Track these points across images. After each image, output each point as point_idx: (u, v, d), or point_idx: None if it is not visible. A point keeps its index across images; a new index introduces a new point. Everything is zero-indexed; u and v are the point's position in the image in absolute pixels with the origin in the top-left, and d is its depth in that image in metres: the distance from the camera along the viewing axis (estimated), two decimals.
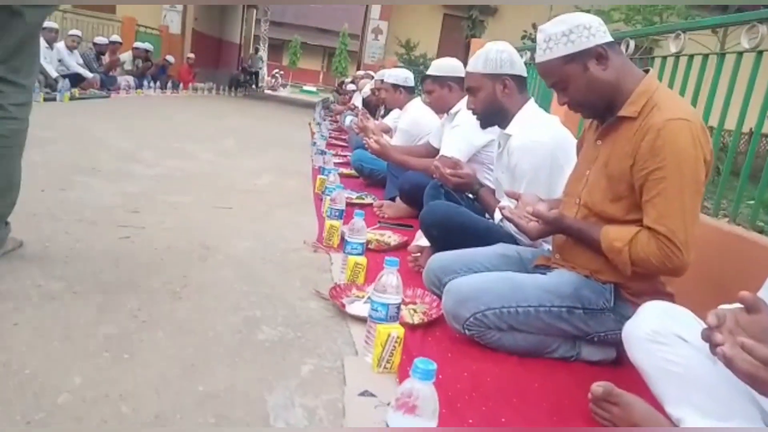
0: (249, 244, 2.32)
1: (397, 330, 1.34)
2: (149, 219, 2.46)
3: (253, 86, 18.00)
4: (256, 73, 19.03)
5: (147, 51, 10.19)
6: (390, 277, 1.40)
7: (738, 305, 0.92)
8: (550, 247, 1.77)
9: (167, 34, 12.62)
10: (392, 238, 2.60)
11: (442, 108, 2.96)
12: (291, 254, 2.28)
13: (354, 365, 1.39)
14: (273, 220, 2.81)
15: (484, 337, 1.55)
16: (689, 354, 1.13)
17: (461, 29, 12.31)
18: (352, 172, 4.18)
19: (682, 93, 2.31)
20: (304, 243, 2.42)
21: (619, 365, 1.56)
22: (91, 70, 8.26)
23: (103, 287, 1.67)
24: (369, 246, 2.25)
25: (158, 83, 9.92)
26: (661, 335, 1.16)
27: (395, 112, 4.34)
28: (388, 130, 4.27)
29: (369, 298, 1.69)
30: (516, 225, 1.63)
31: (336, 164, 4.01)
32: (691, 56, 2.34)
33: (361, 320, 1.62)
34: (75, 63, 7.93)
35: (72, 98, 6.85)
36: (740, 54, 2.06)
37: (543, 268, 1.70)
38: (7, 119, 1.66)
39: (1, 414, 1.04)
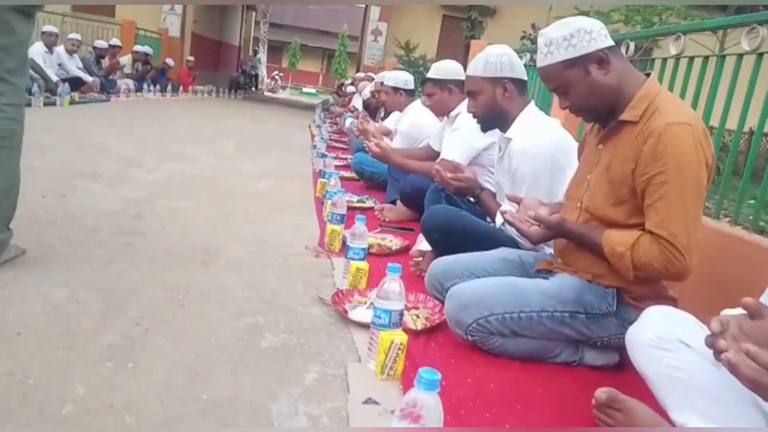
0: (250, 249, 2.32)
1: (400, 337, 1.34)
2: (150, 224, 2.46)
3: (253, 88, 18.00)
4: (256, 76, 19.02)
5: (146, 54, 10.20)
6: (392, 283, 1.40)
7: (741, 311, 0.92)
8: (552, 251, 1.77)
9: (167, 37, 12.63)
10: (393, 242, 2.60)
11: (442, 111, 2.97)
12: (292, 259, 2.29)
13: (357, 372, 1.39)
14: (274, 224, 2.81)
15: (486, 342, 1.55)
16: (693, 360, 1.13)
17: (460, 30, 12.31)
18: (353, 175, 4.18)
19: (682, 95, 2.32)
20: (305, 248, 2.42)
21: (622, 369, 1.56)
22: (90, 74, 8.26)
23: (106, 295, 1.67)
24: (370, 250, 2.25)
25: (158, 86, 9.93)
26: (665, 341, 1.16)
27: (395, 115, 4.34)
28: (388, 133, 4.27)
29: (371, 303, 1.69)
30: (518, 229, 1.63)
31: (336, 167, 4.01)
32: (692, 58, 2.35)
33: (364, 326, 1.61)
34: (75, 67, 7.93)
35: (72, 102, 6.86)
36: (740, 56, 2.06)
37: (545, 272, 1.70)
38: (4, 119, 1.69)
39: (6, 426, 1.04)
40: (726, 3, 8.58)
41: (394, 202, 3.24)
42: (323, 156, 4.30)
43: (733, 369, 0.86)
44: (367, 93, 6.95)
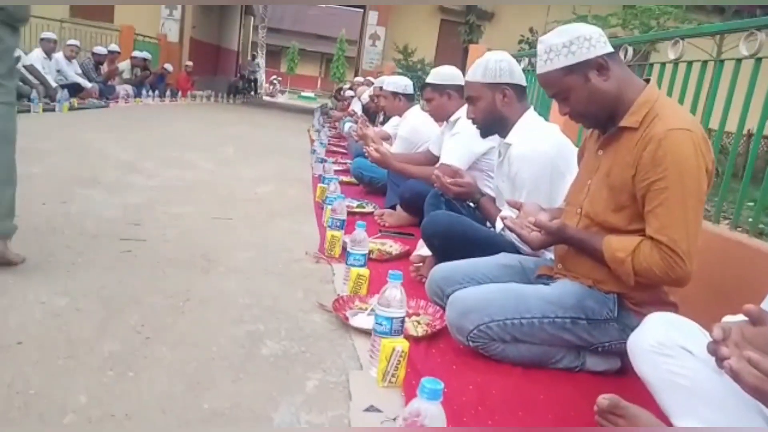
0: (250, 255, 2.32)
1: (401, 344, 1.34)
2: (150, 231, 2.46)
3: (252, 93, 18.02)
4: (255, 80, 19.05)
5: (145, 60, 10.21)
6: (394, 291, 1.40)
7: (742, 317, 0.92)
8: (552, 257, 1.77)
9: (165, 42, 12.64)
10: (393, 247, 2.60)
11: (441, 116, 2.97)
12: (293, 265, 2.28)
13: (359, 380, 1.39)
14: (274, 229, 2.81)
15: (488, 348, 1.54)
16: (695, 366, 1.13)
17: (458, 34, 12.33)
18: (352, 179, 4.18)
19: (681, 99, 2.32)
20: (306, 254, 2.42)
21: (624, 375, 1.56)
22: (89, 80, 8.27)
23: (106, 303, 1.67)
24: (370, 256, 2.25)
25: (157, 92, 9.93)
26: (667, 347, 1.16)
27: (394, 119, 4.35)
28: (387, 138, 4.28)
29: (372, 310, 1.69)
30: (518, 235, 1.63)
31: (336, 172, 4.02)
32: (690, 62, 2.35)
33: (365, 333, 1.61)
34: (73, 73, 7.94)
35: (71, 108, 6.86)
36: (739, 60, 2.07)
37: (546, 278, 1.70)
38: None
39: None
40: (724, 3, 8.59)
41: (393, 207, 3.24)
42: (323, 161, 4.30)
43: (735, 376, 0.86)
44: (366, 97, 6.97)
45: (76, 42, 8.39)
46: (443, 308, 1.73)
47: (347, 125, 6.87)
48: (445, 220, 2.11)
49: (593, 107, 1.51)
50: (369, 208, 3.40)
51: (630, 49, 2.78)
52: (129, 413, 1.15)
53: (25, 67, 6.74)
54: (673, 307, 1.51)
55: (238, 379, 1.33)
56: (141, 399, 1.20)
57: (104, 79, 8.78)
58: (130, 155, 4.34)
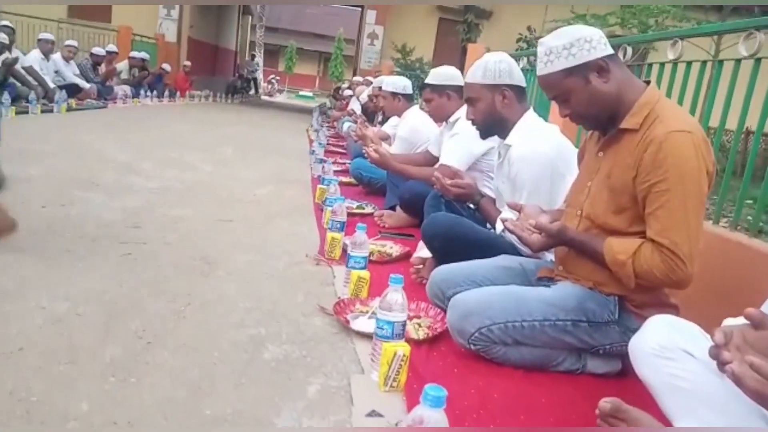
0: (251, 258, 2.32)
1: (403, 348, 1.34)
2: (151, 234, 2.46)
3: (251, 92, 18.00)
4: (255, 80, 19.03)
5: (143, 60, 10.19)
6: (395, 294, 1.40)
7: (743, 320, 0.92)
8: (553, 258, 1.77)
9: (163, 42, 12.62)
10: (394, 248, 2.60)
11: (441, 116, 2.97)
12: (293, 267, 2.28)
13: (360, 384, 1.39)
14: (274, 231, 2.80)
15: (489, 351, 1.55)
16: (696, 369, 1.13)
17: (457, 33, 12.32)
18: (352, 180, 4.18)
19: (680, 99, 2.32)
20: (306, 256, 2.42)
21: (625, 377, 1.56)
22: (87, 81, 8.25)
23: (107, 307, 1.66)
24: (370, 257, 2.24)
25: (155, 92, 9.91)
26: (668, 350, 1.16)
27: (393, 120, 4.35)
28: (386, 138, 4.28)
29: (373, 313, 1.69)
30: (519, 237, 1.63)
31: (335, 172, 4.01)
32: (690, 63, 2.35)
33: (366, 336, 1.61)
34: (71, 74, 7.92)
35: (69, 109, 6.85)
36: (738, 61, 2.07)
37: (546, 280, 1.71)
38: None
39: None
40: (722, 2, 8.58)
41: (393, 208, 3.24)
42: (322, 161, 4.30)
43: (737, 380, 0.86)
44: (364, 97, 6.97)
45: (74, 43, 8.37)
46: (444, 310, 1.73)
47: (346, 125, 6.86)
48: (446, 221, 2.11)
49: (594, 109, 1.51)
50: (369, 209, 3.40)
51: (629, 49, 2.78)
52: (131, 420, 1.15)
53: (23, 68, 6.73)
54: (674, 309, 1.51)
55: (240, 385, 1.33)
56: (143, 405, 1.20)
57: (102, 80, 8.76)
58: (129, 156, 4.33)
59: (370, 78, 7.95)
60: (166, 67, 11.16)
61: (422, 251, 2.27)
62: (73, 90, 7.58)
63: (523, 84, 2.10)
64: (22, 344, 1.39)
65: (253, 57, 21.02)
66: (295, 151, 6.16)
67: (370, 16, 13.15)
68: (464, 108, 2.28)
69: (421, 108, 3.65)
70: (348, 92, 9.54)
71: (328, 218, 2.62)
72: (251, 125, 8.78)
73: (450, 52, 12.08)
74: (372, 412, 1.26)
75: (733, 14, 8.79)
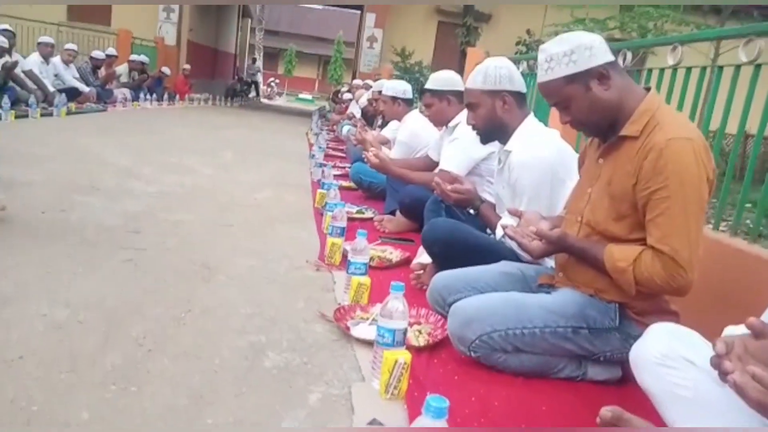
0: (251, 263, 2.32)
1: (404, 356, 1.34)
2: (151, 239, 2.46)
3: (252, 95, 18.08)
4: (256, 83, 19.12)
5: (143, 63, 10.18)
6: (396, 302, 1.40)
7: (744, 328, 0.92)
8: (554, 264, 1.77)
9: (163, 45, 12.63)
10: (394, 254, 2.60)
11: (441, 121, 2.97)
12: (294, 273, 2.28)
13: (361, 392, 1.39)
14: (274, 236, 2.80)
15: (490, 358, 1.54)
16: (698, 377, 1.13)
17: (456, 36, 12.35)
18: (351, 184, 4.18)
19: (680, 104, 2.33)
20: (306, 261, 2.42)
21: (625, 384, 1.56)
22: (87, 84, 8.25)
23: (108, 314, 1.66)
24: (370, 263, 2.24)
25: (155, 95, 9.91)
26: (670, 359, 1.16)
27: (393, 124, 4.35)
28: (386, 142, 4.28)
29: (374, 320, 1.69)
30: (519, 244, 1.63)
31: (335, 177, 4.02)
32: (689, 68, 2.36)
33: (367, 343, 1.61)
34: (71, 77, 7.92)
35: (69, 113, 6.85)
36: (738, 67, 2.07)
37: (547, 286, 1.71)
38: None
39: None
40: (721, 3, 8.59)
41: (393, 213, 3.24)
42: (322, 165, 4.30)
43: (739, 391, 0.86)
44: (364, 101, 6.96)
45: (74, 46, 8.37)
46: (444, 317, 1.73)
47: (345, 128, 6.87)
48: (446, 227, 2.11)
49: (594, 116, 1.51)
50: (368, 214, 3.40)
51: (629, 54, 2.78)
52: (132, 429, 1.15)
53: (23, 71, 6.73)
54: (674, 316, 1.51)
55: (241, 393, 1.33)
56: (144, 414, 1.20)
57: (102, 83, 8.75)
58: (129, 160, 4.33)
59: (369, 82, 7.95)
60: (166, 70, 11.16)
61: (422, 257, 2.27)
62: (72, 93, 7.58)
63: (524, 89, 2.10)
64: (23, 352, 1.39)
65: (254, 61, 21.08)
66: (294, 154, 6.17)
67: (370, 19, 13.17)
68: (464, 113, 2.29)
69: (421, 111, 3.65)
70: (347, 96, 9.55)
71: (329, 223, 2.62)
72: (251, 128, 8.79)
73: (449, 55, 12.10)
74: (373, 420, 1.26)
75: (731, 17, 8.82)
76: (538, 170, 1.94)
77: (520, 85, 2.08)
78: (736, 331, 1.05)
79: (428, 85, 2.94)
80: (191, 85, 12.51)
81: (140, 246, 2.34)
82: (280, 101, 22.39)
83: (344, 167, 5.02)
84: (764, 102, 1.88)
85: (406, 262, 2.50)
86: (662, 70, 2.55)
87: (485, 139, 2.18)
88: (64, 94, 6.96)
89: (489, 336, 1.52)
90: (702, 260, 1.40)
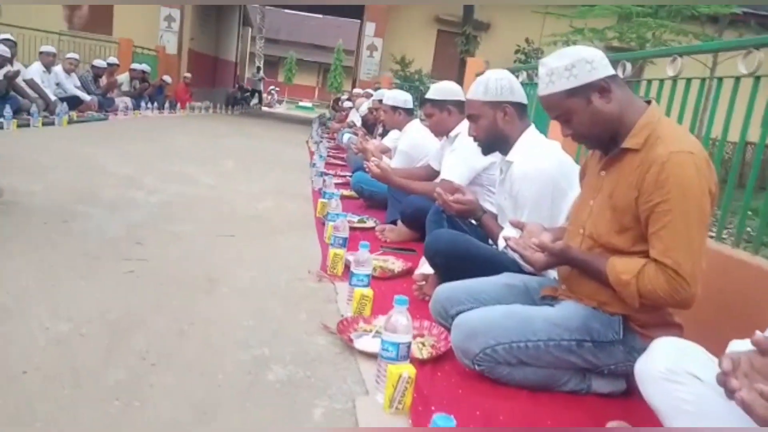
0: (253, 275, 2.32)
1: (408, 370, 1.34)
2: (153, 250, 2.46)
3: (254, 103, 18.25)
4: (259, 91, 19.34)
5: (144, 72, 10.23)
6: (400, 316, 1.40)
7: (749, 343, 0.92)
8: (556, 276, 1.77)
9: (164, 54, 12.68)
10: (396, 264, 2.60)
11: (441, 131, 2.98)
12: (296, 283, 2.28)
13: (365, 406, 1.38)
14: (276, 247, 2.80)
15: (494, 371, 1.54)
16: (703, 392, 1.13)
17: (455, 45, 12.41)
18: (352, 193, 4.19)
19: (680, 117, 2.34)
20: (308, 272, 2.42)
21: (629, 397, 1.56)
22: (88, 93, 8.27)
23: (111, 327, 1.66)
24: (373, 273, 2.25)
25: (156, 104, 9.94)
26: (675, 373, 1.16)
27: (394, 133, 4.36)
28: (387, 151, 4.29)
29: (377, 332, 1.69)
30: (521, 256, 1.63)
31: (336, 185, 4.02)
32: (689, 80, 2.37)
33: (370, 356, 1.61)
34: (73, 86, 7.95)
35: (70, 121, 6.86)
36: (738, 78, 2.08)
37: (550, 298, 1.70)
38: None
39: None
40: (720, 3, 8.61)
41: (394, 222, 3.24)
42: (323, 174, 4.31)
43: (746, 408, 0.86)
44: (364, 109, 6.99)
45: (76, 55, 8.41)
46: (447, 329, 1.73)
47: (346, 136, 6.89)
48: (448, 238, 2.11)
49: (595, 129, 1.52)
50: (370, 224, 3.40)
51: (628, 65, 2.80)
52: None
53: (24, 80, 6.75)
54: (678, 329, 1.51)
55: (245, 408, 1.33)
56: (147, 430, 1.20)
57: (103, 92, 8.78)
58: (131, 170, 4.34)
59: (370, 90, 7.98)
60: (167, 78, 11.21)
61: (424, 267, 2.27)
62: (74, 102, 7.61)
63: (525, 101, 2.11)
64: (26, 367, 1.38)
65: (258, 69, 21.30)
66: (295, 163, 6.18)
67: (369, 28, 13.23)
68: (465, 123, 2.29)
69: (421, 120, 3.66)
70: (348, 104, 9.57)
71: (330, 234, 2.62)
72: (251, 137, 8.80)
73: (449, 64, 12.15)
74: None
75: (729, 26, 8.86)
76: (539, 182, 1.94)
77: (520, 97, 2.09)
78: (741, 346, 1.05)
79: (429, 96, 2.95)
80: (192, 93, 12.56)
81: (142, 257, 2.34)
82: (280, 109, 22.44)
83: (345, 176, 5.03)
84: (764, 111, 1.89)
85: (408, 272, 2.50)
86: (662, 81, 2.57)
87: (486, 150, 2.18)
88: (65, 103, 6.98)
89: (493, 349, 1.52)
90: (705, 272, 1.40)
